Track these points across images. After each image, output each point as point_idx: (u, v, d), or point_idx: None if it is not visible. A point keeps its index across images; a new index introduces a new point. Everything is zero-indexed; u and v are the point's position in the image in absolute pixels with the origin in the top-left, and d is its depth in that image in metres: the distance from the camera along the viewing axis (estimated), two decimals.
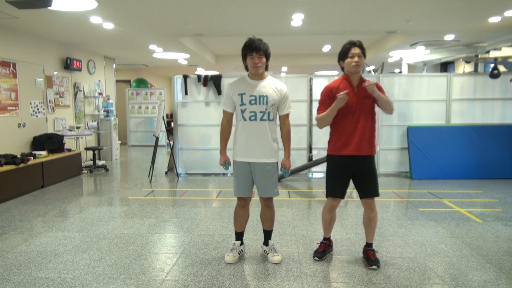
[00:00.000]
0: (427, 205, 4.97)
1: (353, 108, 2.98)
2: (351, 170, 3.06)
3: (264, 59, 2.97)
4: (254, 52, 2.92)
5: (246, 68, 3.06)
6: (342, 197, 3.13)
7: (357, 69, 2.96)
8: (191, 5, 5.33)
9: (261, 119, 3.00)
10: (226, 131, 3.16)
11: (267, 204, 3.17)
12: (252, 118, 3.00)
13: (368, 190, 3.07)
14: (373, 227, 3.15)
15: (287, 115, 3.13)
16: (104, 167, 7.79)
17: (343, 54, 3.01)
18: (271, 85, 3.03)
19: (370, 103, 3.02)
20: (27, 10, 5.09)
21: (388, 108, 3.02)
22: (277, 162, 3.12)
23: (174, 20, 6.18)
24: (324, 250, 3.28)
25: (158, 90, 12.41)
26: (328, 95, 3.03)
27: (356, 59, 2.93)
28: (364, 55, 2.99)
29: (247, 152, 3.05)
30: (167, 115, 13.27)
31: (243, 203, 3.19)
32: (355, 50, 2.94)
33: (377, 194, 3.08)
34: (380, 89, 3.01)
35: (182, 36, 7.71)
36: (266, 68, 3.05)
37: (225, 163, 3.15)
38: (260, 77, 3.04)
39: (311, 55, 11.75)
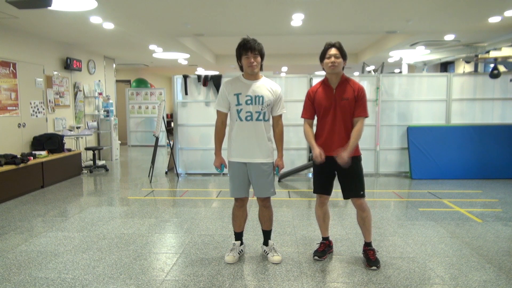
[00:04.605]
0: (427, 205, 4.97)
1: (331, 110, 3.02)
2: (332, 170, 3.10)
3: (259, 59, 2.98)
4: (249, 51, 2.93)
5: (241, 68, 3.07)
6: (327, 193, 3.19)
7: (333, 69, 2.99)
8: (191, 5, 5.33)
9: (257, 119, 3.01)
10: (221, 132, 3.15)
11: (265, 204, 3.18)
12: (248, 118, 3.00)
13: (350, 190, 3.09)
14: (368, 226, 3.15)
15: (280, 116, 3.14)
16: (104, 167, 7.79)
17: (322, 56, 3.06)
18: (266, 85, 3.04)
19: (349, 105, 3.01)
20: (27, 10, 5.09)
21: None
22: (273, 162, 3.13)
23: (174, 20, 6.18)
24: (324, 250, 3.28)
25: (158, 90, 12.42)
26: (309, 99, 3.15)
27: (332, 59, 2.97)
28: (343, 57, 3.01)
29: (243, 152, 3.05)
30: (167, 115, 13.28)
31: (240, 204, 3.19)
32: (331, 51, 2.99)
33: (358, 195, 3.06)
34: (362, 98, 3.01)
35: (182, 36, 7.71)
36: (261, 68, 3.05)
37: (220, 165, 3.15)
38: (255, 77, 3.05)
39: (311, 55, 11.74)
